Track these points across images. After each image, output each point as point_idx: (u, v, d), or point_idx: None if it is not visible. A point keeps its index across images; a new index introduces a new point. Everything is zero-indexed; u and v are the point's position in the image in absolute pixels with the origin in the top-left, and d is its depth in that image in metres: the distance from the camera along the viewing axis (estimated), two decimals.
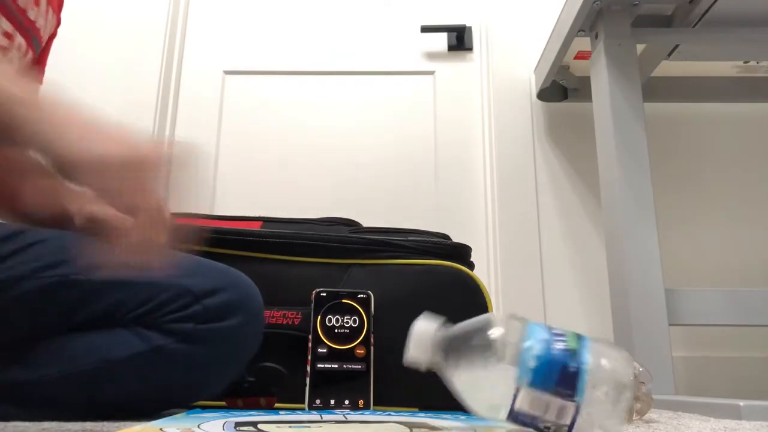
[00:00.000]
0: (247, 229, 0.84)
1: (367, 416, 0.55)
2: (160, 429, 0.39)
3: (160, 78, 1.60)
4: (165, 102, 1.60)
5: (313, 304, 0.75)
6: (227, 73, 1.67)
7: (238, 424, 0.44)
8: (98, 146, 0.47)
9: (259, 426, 0.43)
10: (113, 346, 0.58)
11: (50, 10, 0.78)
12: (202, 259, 0.67)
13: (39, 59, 0.82)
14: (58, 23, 0.86)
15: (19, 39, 0.72)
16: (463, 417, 0.56)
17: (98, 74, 1.60)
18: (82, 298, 0.58)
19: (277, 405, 0.74)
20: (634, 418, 0.63)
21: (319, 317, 0.74)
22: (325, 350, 0.73)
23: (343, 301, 0.76)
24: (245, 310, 0.62)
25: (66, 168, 0.47)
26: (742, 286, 1.42)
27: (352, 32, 1.69)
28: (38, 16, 0.75)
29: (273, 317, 0.75)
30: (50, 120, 0.48)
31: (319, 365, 0.72)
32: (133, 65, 1.60)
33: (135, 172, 0.48)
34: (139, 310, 0.59)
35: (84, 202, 0.71)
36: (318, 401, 0.70)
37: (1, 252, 0.58)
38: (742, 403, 0.69)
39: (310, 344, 0.73)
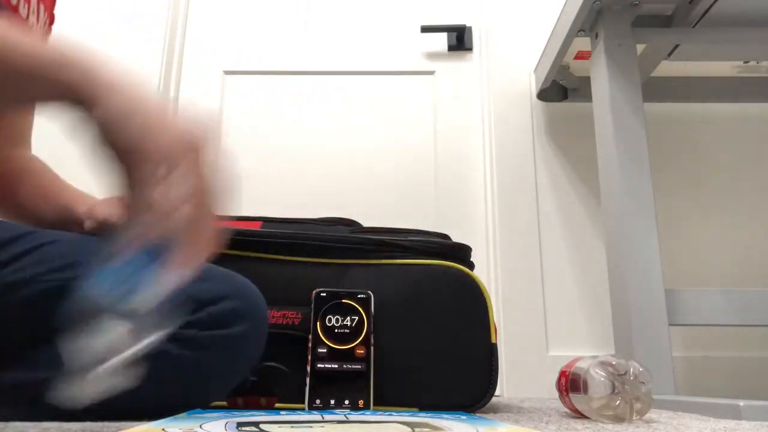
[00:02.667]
0: (247, 229, 0.84)
1: (368, 416, 0.55)
2: (163, 429, 0.39)
3: (160, 78, 1.60)
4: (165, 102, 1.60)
5: (313, 304, 0.75)
6: (227, 73, 1.67)
7: (240, 425, 0.44)
8: (164, 133, 0.44)
9: (261, 426, 0.43)
10: None
11: (42, 7, 0.77)
12: (207, 264, 0.66)
13: None
14: (52, 20, 0.85)
15: None
16: (464, 417, 0.56)
17: None
18: None
19: (276, 405, 0.74)
20: (634, 418, 0.63)
21: (319, 317, 0.74)
22: (325, 350, 0.73)
23: (343, 301, 0.76)
24: (250, 319, 0.62)
25: (127, 153, 0.43)
26: (742, 286, 1.42)
27: (352, 32, 1.69)
28: (30, 13, 0.73)
29: (273, 317, 0.75)
30: (120, 96, 0.45)
31: (319, 365, 0.72)
32: (133, 65, 1.60)
33: (192, 160, 0.45)
34: None
35: (94, 205, 0.71)
36: (318, 401, 0.70)
37: (9, 254, 0.58)
38: (742, 403, 0.69)
39: (310, 344, 0.73)
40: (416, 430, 0.43)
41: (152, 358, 0.58)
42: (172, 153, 0.44)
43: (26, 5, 0.72)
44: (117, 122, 0.44)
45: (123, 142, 0.44)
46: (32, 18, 0.74)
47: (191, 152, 0.45)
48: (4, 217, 0.78)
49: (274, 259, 0.82)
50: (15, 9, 0.70)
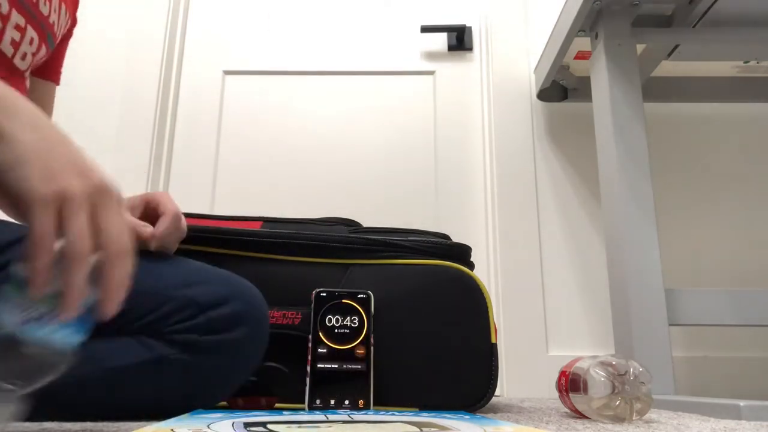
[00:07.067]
0: (247, 229, 0.84)
1: (372, 416, 0.55)
2: (171, 429, 0.39)
3: (160, 78, 1.60)
4: (165, 102, 1.60)
5: (313, 304, 0.75)
6: (227, 73, 1.67)
7: (247, 425, 0.44)
8: (60, 181, 0.39)
9: (269, 426, 0.43)
10: (117, 354, 0.58)
11: (63, 6, 0.77)
12: (208, 266, 0.66)
13: (53, 56, 0.81)
14: (74, 23, 0.85)
15: (32, 33, 0.71)
16: (467, 417, 0.56)
17: (98, 74, 1.60)
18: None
19: (276, 405, 0.74)
20: (634, 418, 0.63)
21: (319, 317, 0.74)
22: (325, 350, 0.73)
23: (343, 301, 0.76)
24: (250, 322, 0.62)
25: (18, 202, 0.38)
26: (742, 286, 1.42)
27: (352, 32, 1.69)
28: (51, 11, 0.74)
29: (273, 317, 0.75)
30: (19, 135, 0.39)
31: (319, 365, 0.72)
32: (133, 65, 1.60)
33: (96, 208, 0.40)
34: (144, 320, 0.59)
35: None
36: (318, 401, 0.70)
37: (1, 260, 0.57)
38: (742, 403, 0.69)
39: (310, 344, 0.73)
40: (423, 429, 0.43)
41: (153, 364, 0.58)
42: (70, 199, 0.39)
43: (47, 4, 0.73)
44: (12, 168, 0.38)
45: (14, 188, 0.38)
46: (54, 16, 0.75)
47: (97, 196, 0.40)
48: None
49: (274, 259, 0.82)
50: (35, 5, 0.71)
